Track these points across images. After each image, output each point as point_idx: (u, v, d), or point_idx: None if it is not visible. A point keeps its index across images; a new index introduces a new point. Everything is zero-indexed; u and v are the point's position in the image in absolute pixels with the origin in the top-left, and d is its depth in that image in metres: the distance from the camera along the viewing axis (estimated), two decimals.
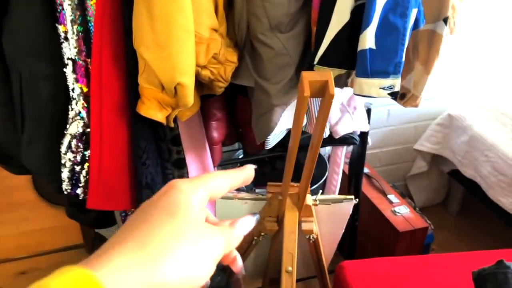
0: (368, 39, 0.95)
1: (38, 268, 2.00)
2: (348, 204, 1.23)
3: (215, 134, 1.36)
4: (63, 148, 1.10)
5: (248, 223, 0.45)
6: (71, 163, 1.11)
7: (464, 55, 2.06)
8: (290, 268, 1.12)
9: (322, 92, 0.83)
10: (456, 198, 2.39)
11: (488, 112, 2.05)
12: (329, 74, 0.82)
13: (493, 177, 1.85)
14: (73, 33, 0.99)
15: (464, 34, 1.95)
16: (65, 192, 1.15)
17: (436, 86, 2.11)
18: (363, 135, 1.59)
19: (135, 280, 0.34)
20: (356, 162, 1.69)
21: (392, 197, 1.86)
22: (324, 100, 0.83)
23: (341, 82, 1.06)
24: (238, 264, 0.46)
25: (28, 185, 1.94)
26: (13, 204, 1.97)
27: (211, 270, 0.40)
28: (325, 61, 1.00)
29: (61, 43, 1.02)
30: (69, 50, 1.02)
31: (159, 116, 0.98)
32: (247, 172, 0.46)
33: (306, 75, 0.82)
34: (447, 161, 2.16)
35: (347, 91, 1.47)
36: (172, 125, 1.04)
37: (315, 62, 1.02)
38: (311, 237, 1.21)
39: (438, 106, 2.15)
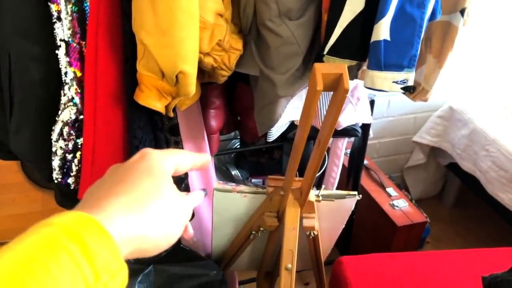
0: (382, 30, 0.89)
1: None
2: (351, 201, 1.18)
3: (214, 123, 1.30)
4: (54, 136, 1.03)
5: (199, 196, 0.50)
6: (62, 151, 1.05)
7: (467, 46, 2.01)
8: (289, 266, 1.08)
9: (335, 86, 0.78)
10: (452, 191, 2.37)
11: (490, 105, 2.01)
12: (344, 66, 0.76)
13: (493, 172, 1.82)
14: (67, 13, 0.92)
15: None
16: (56, 181, 1.09)
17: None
18: (365, 127, 1.55)
19: (125, 228, 0.36)
20: (357, 154, 1.65)
21: (390, 190, 1.83)
22: (338, 95, 0.77)
23: (351, 74, 1.01)
24: (189, 232, 0.49)
25: (16, 167, 1.87)
26: (0, 186, 1.91)
27: (181, 230, 0.43)
28: (336, 51, 0.95)
29: (54, 23, 0.95)
30: (62, 31, 0.95)
31: (158, 105, 0.92)
32: (206, 159, 0.51)
33: (319, 67, 0.76)
34: (446, 154, 2.13)
35: (352, 81, 1.41)
36: (171, 114, 0.98)
37: (324, 52, 0.96)
38: (311, 234, 1.16)
39: (439, 98, 2.11)
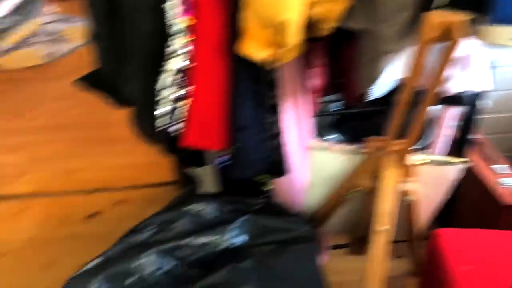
0: None
1: (133, 198, 2.09)
2: (455, 168, 1.11)
3: (316, 82, 1.29)
4: (160, 85, 1.09)
5: None
6: (167, 100, 1.11)
7: None
8: (384, 228, 1.05)
9: (447, 37, 0.72)
10: None
11: None
12: (457, 16, 0.71)
13: None
14: None
15: None
16: (161, 129, 1.15)
17: None
18: (480, 97, 1.42)
19: None
20: (467, 126, 1.53)
21: (501, 167, 1.69)
22: (449, 46, 0.72)
23: (468, 30, 0.93)
24: None
25: (126, 121, 2.00)
26: (112, 138, 2.05)
27: None
28: (452, 2, 0.88)
29: None
30: None
31: (259, 55, 0.93)
32: None
33: (430, 17, 0.72)
34: None
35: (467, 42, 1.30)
36: (271, 67, 0.98)
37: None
38: (408, 198, 1.12)
39: None
